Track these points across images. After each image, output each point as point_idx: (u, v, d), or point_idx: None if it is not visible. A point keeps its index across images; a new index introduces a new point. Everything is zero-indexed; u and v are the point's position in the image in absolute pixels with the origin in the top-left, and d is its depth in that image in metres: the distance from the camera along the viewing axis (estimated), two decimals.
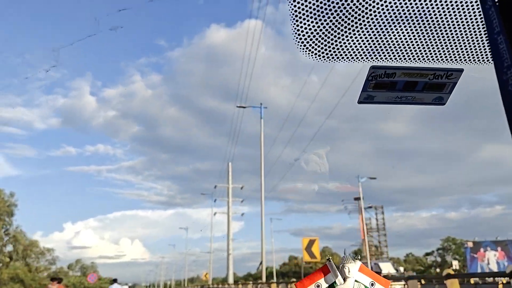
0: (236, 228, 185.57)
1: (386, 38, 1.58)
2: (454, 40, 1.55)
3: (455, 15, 1.46)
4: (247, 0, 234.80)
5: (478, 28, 1.49)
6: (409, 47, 1.58)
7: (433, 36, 1.54)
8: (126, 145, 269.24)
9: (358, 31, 1.60)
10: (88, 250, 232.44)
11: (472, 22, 1.48)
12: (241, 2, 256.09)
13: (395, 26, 1.53)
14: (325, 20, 1.62)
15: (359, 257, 1.42)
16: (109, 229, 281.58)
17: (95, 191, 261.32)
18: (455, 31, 1.51)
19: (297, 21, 1.60)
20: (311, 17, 1.65)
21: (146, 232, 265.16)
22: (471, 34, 1.51)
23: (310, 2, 1.53)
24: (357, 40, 1.66)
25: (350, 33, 1.62)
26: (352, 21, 1.57)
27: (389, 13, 1.47)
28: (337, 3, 1.50)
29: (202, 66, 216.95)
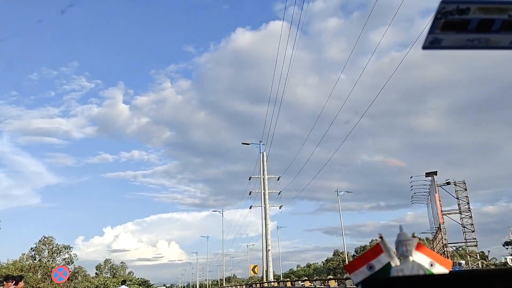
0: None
1: None
2: None
3: None
4: (271, 2, 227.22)
5: None
6: None
7: None
8: (159, 150, 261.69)
9: None
10: (127, 253, 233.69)
11: None
12: (265, 5, 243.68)
13: None
14: None
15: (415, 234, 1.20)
16: (147, 232, 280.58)
17: (132, 196, 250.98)
18: None
19: None
20: None
21: (182, 234, 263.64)
22: None
23: None
24: None
25: None
26: None
27: None
28: None
29: (229, 70, 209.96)
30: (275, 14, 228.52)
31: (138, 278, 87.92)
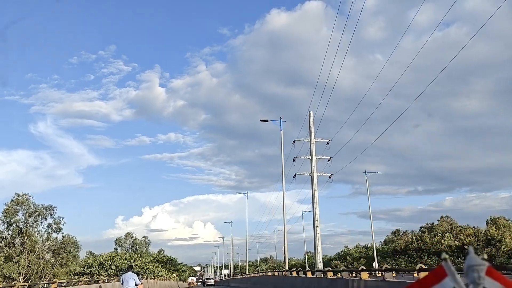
0: (304, 211, 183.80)
1: None
2: None
3: None
4: None
5: None
6: None
7: None
8: (195, 132, 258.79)
9: None
10: (165, 233, 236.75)
11: None
12: None
13: None
14: None
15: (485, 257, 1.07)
16: (184, 213, 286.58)
17: (169, 177, 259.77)
18: None
19: None
20: None
21: (218, 215, 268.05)
22: None
23: None
24: None
25: None
26: None
27: None
28: None
29: (264, 52, 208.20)
30: None
31: (164, 256, 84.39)
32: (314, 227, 30.97)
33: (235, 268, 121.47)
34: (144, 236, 77.88)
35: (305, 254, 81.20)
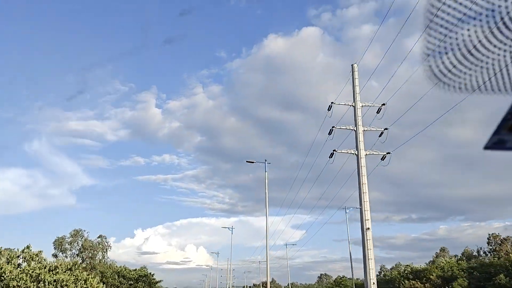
0: (297, 237, 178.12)
1: None
2: None
3: None
4: (304, 8, 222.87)
5: None
6: None
7: None
8: (190, 154, 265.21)
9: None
10: (157, 256, 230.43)
11: None
12: (298, 11, 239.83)
13: None
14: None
15: None
16: (176, 236, 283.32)
17: (162, 199, 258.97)
18: None
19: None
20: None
21: (210, 239, 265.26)
22: None
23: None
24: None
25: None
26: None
27: None
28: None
29: (261, 76, 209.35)
30: (308, 20, 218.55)
31: (136, 271, 60.60)
32: (364, 230, 22.82)
33: None
34: (99, 236, 53.57)
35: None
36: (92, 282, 33.12)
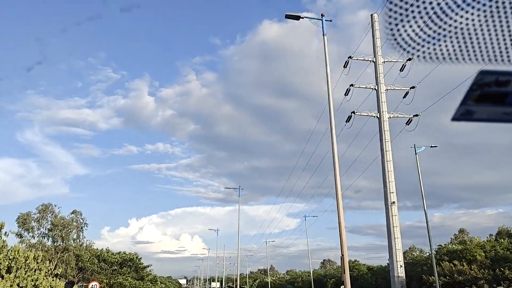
0: (292, 225, 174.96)
1: (503, 34, 1.41)
2: None
3: None
4: None
5: None
6: None
7: None
8: (184, 143, 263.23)
9: (464, 21, 1.48)
10: (152, 245, 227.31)
11: None
12: None
13: None
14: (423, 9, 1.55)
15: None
16: (171, 225, 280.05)
17: (156, 188, 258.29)
18: None
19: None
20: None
21: (206, 228, 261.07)
22: None
23: None
24: (463, 37, 1.54)
25: (454, 26, 1.52)
26: (459, 8, 1.43)
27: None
28: None
29: (255, 63, 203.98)
30: (303, 6, 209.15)
31: (121, 255, 52.27)
32: (388, 205, 21.23)
33: (226, 282, 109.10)
34: (73, 212, 44.78)
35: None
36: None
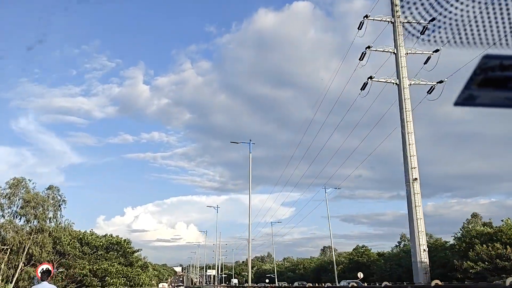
0: (287, 214, 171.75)
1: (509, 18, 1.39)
2: None
3: None
4: None
5: None
6: None
7: None
8: (179, 132, 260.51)
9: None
10: (147, 234, 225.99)
11: None
12: None
13: None
14: None
15: None
16: (166, 214, 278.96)
17: (151, 177, 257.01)
18: None
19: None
20: None
21: (201, 217, 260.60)
22: None
23: None
24: (467, 20, 1.52)
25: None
26: None
27: None
28: None
29: (251, 52, 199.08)
30: None
31: (107, 238, 45.96)
32: (409, 181, 20.39)
33: (223, 270, 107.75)
34: (49, 187, 38.46)
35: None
36: None
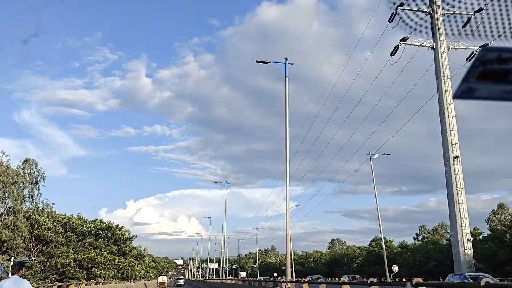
0: (289, 208, 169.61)
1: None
2: None
3: None
4: None
5: None
6: None
7: None
8: (181, 125, 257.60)
9: None
10: (149, 227, 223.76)
11: None
12: None
13: None
14: None
15: None
16: (168, 207, 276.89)
17: (154, 170, 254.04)
18: None
19: None
20: None
21: (203, 210, 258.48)
22: None
23: None
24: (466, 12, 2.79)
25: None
26: None
27: None
28: None
29: (254, 45, 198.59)
30: None
31: (96, 223, 39.57)
32: (450, 161, 20.68)
33: (226, 263, 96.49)
34: (25, 161, 31.92)
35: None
36: None
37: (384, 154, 45.02)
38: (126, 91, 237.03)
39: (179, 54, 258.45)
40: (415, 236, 77.41)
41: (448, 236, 76.47)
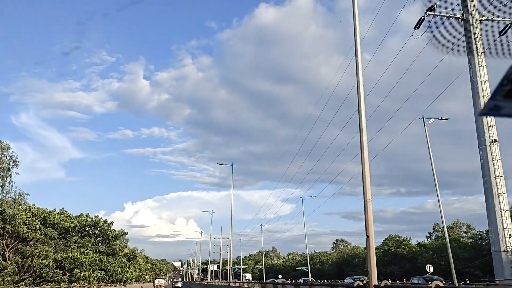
0: (288, 210, 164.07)
1: None
2: None
3: None
4: None
5: None
6: None
7: None
8: (179, 128, 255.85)
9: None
10: (147, 229, 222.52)
11: None
12: None
13: None
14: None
15: None
16: (166, 209, 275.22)
17: (152, 173, 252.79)
18: None
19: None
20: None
21: (201, 213, 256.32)
22: None
23: None
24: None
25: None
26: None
27: None
28: None
29: (252, 47, 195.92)
30: None
31: (82, 218, 34.66)
32: (486, 146, 19.00)
33: (223, 265, 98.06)
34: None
35: None
36: None
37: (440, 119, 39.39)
38: (124, 93, 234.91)
39: (177, 57, 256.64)
40: (427, 235, 72.84)
41: (464, 234, 71.65)
